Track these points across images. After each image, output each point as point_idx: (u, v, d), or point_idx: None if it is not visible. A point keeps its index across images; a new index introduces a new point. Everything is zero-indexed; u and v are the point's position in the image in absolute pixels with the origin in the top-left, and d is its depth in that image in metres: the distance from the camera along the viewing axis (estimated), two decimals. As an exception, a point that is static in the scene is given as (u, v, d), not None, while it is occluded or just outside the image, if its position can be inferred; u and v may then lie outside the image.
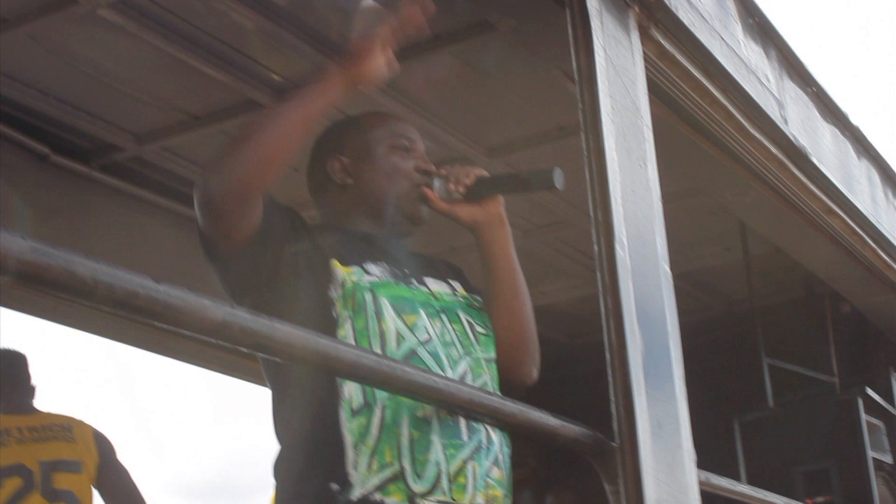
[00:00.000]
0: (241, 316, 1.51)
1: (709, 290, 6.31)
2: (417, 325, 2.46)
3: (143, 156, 4.53)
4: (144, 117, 4.34)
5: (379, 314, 2.43)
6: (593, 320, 2.55)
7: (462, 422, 2.40)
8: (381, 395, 2.35)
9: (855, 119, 4.69)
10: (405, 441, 2.34)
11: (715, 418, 4.71)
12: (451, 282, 2.68)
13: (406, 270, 2.58)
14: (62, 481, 4.49)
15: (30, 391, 4.77)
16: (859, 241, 4.67)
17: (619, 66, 2.85)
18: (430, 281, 2.62)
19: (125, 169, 4.59)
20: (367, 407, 2.35)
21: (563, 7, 2.84)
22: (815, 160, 4.06)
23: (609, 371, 2.47)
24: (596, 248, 2.59)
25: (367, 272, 2.49)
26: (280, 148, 2.35)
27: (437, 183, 2.65)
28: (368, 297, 2.43)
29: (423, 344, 2.44)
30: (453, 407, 2.11)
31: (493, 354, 2.61)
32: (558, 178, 2.61)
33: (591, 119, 2.69)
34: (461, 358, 2.50)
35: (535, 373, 2.70)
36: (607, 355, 2.49)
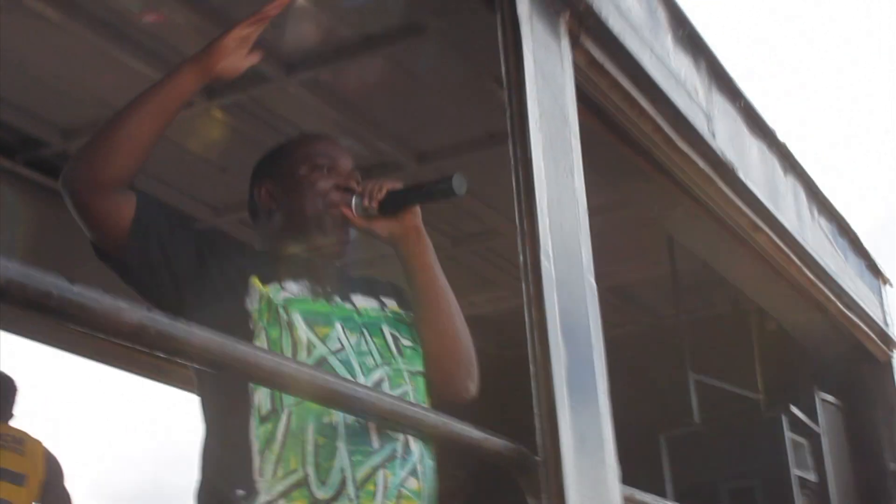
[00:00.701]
0: (158, 320, 1.47)
1: (635, 304, 6.32)
2: (330, 336, 2.50)
3: (69, 151, 4.44)
4: (70, 112, 4.29)
5: (291, 326, 2.47)
6: (522, 332, 2.54)
7: (372, 429, 2.41)
8: (288, 401, 2.38)
9: (782, 135, 4.73)
10: (310, 447, 2.37)
11: (641, 434, 4.70)
12: (383, 298, 2.71)
13: (328, 288, 2.62)
14: (2, 490, 4.43)
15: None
16: (784, 258, 4.70)
17: (547, 73, 2.85)
18: (357, 297, 2.65)
19: (51, 165, 4.51)
20: (275, 413, 2.38)
21: (493, 11, 2.84)
22: (741, 175, 4.08)
23: (533, 384, 2.46)
24: (521, 258, 2.58)
25: (283, 289, 2.54)
26: (131, 137, 2.43)
27: (354, 200, 2.66)
28: (282, 311, 2.48)
29: (334, 353, 2.47)
30: (374, 417, 2.09)
31: (419, 367, 2.62)
32: (458, 185, 2.62)
33: (519, 126, 2.69)
34: (377, 367, 2.52)
35: (471, 388, 2.69)
36: (531, 368, 2.48)
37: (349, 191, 2.67)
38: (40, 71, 4.05)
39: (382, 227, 2.66)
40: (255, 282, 2.52)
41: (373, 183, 2.67)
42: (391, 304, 2.71)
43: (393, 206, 2.64)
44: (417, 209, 2.67)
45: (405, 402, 2.13)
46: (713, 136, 3.90)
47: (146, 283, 2.50)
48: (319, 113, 4.27)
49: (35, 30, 3.79)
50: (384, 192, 2.64)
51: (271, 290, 2.52)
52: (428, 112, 4.40)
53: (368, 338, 2.56)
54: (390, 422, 2.08)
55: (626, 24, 3.35)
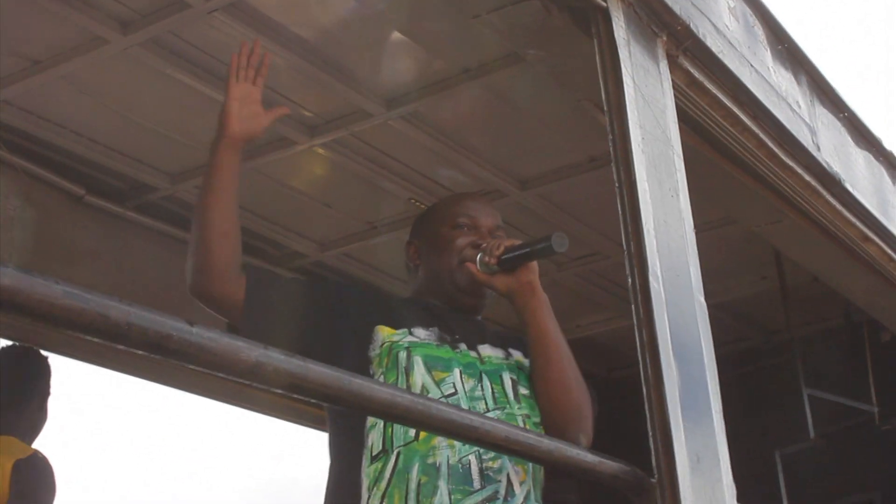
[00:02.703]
0: (275, 357, 1.50)
1: (745, 321, 6.24)
2: (445, 381, 2.62)
3: (176, 194, 4.55)
4: (178, 156, 4.37)
5: (409, 370, 2.59)
6: (628, 353, 2.53)
7: (475, 470, 2.51)
8: (397, 442, 2.51)
9: (888, 144, 4.66)
10: (413, 485, 2.48)
11: (755, 451, 4.67)
12: (510, 350, 2.81)
13: (457, 336, 2.75)
14: None
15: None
16: (896, 268, 4.62)
17: (648, 95, 2.84)
18: (485, 347, 2.77)
19: (159, 208, 4.61)
20: (384, 453, 2.51)
21: (590, 37, 2.85)
22: (849, 186, 4.03)
23: (646, 405, 2.46)
24: (630, 280, 2.57)
25: (411, 333, 2.68)
26: (214, 231, 2.66)
27: (478, 256, 2.78)
28: (403, 354, 2.61)
29: (446, 396, 2.57)
30: (489, 445, 2.10)
31: (535, 416, 2.69)
32: (559, 243, 2.72)
33: (622, 150, 2.68)
34: (489, 411, 2.61)
35: (583, 440, 2.69)
36: (644, 389, 2.47)
37: (479, 248, 2.81)
38: (147, 118, 4.14)
39: (501, 282, 2.76)
40: (381, 329, 2.66)
41: (494, 241, 2.80)
42: (517, 354, 2.81)
43: (512, 262, 2.75)
44: (534, 265, 2.78)
45: (518, 428, 2.14)
46: (818, 148, 3.86)
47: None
48: (421, 145, 4.31)
49: (140, 78, 3.89)
50: (502, 248, 2.75)
51: (398, 335, 2.66)
52: (528, 138, 4.41)
53: (487, 384, 2.67)
54: (505, 449, 2.08)
55: (724, 42, 3.34)
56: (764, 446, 5.36)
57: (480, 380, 2.66)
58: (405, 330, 2.69)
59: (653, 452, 2.40)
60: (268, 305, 2.65)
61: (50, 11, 3.49)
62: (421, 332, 2.70)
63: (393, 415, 1.81)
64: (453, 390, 2.60)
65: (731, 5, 3.53)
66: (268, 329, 2.61)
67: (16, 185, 4.16)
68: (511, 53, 3.69)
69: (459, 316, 2.84)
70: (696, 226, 2.91)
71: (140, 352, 1.32)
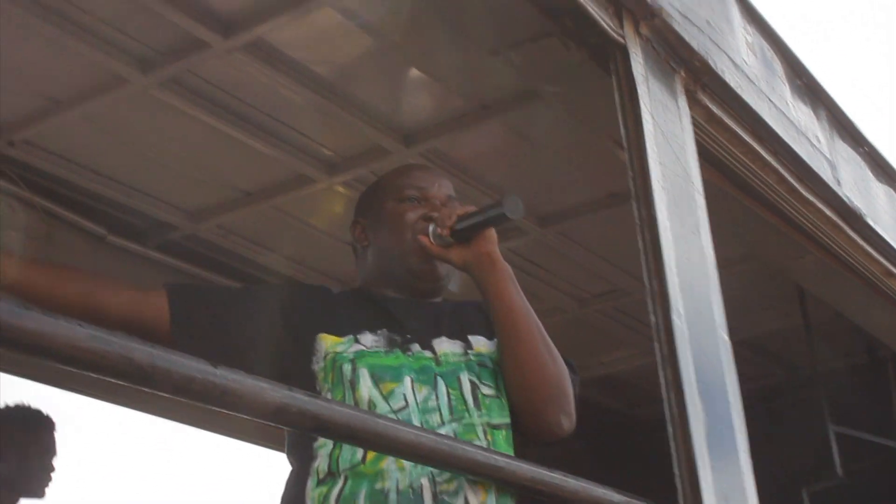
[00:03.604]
0: (299, 398, 1.51)
1: (769, 357, 6.22)
2: (395, 393, 2.38)
3: (197, 234, 4.56)
4: (198, 195, 4.38)
5: (354, 384, 2.37)
6: (651, 389, 2.52)
7: (427, 495, 2.29)
8: (344, 466, 2.32)
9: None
10: None
11: (782, 489, 4.63)
12: (470, 337, 2.57)
13: (408, 335, 2.50)
14: None
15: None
16: (921, 304, 4.61)
17: (667, 131, 2.85)
18: (441, 342, 2.52)
19: (180, 247, 4.62)
20: (331, 477, 2.32)
21: (609, 74, 2.85)
22: (870, 221, 4.03)
23: (672, 445, 2.45)
24: (653, 318, 2.57)
25: (357, 341, 2.45)
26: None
27: (430, 229, 2.58)
28: (348, 367, 2.39)
29: (396, 412, 2.34)
30: (516, 486, 2.08)
31: (499, 419, 2.47)
32: (512, 209, 2.51)
33: (642, 187, 2.68)
34: (444, 425, 2.38)
35: (564, 423, 2.51)
36: (669, 428, 2.46)
37: (433, 220, 2.59)
38: (167, 157, 4.16)
39: (457, 254, 2.55)
40: (324, 338, 2.45)
41: (447, 210, 2.59)
42: (479, 342, 2.57)
43: (465, 232, 2.54)
44: (492, 234, 2.56)
45: (545, 469, 2.12)
46: (838, 183, 3.86)
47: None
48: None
49: (160, 118, 3.90)
50: (454, 218, 2.54)
51: (342, 344, 2.43)
52: (547, 175, 4.42)
53: (442, 390, 2.43)
54: (531, 490, 2.06)
55: (742, 77, 3.35)
56: (791, 484, 5.32)
57: (435, 386, 2.41)
58: (351, 337, 2.44)
59: (679, 492, 2.39)
60: (195, 318, 2.46)
61: (70, 51, 3.51)
62: (368, 339, 2.45)
63: (418, 455, 1.81)
64: (403, 403, 2.36)
65: (749, 40, 3.55)
66: (201, 344, 2.41)
67: (38, 226, 4.17)
68: (529, 90, 3.70)
69: (413, 304, 2.60)
70: (717, 261, 2.90)
71: (164, 394, 1.32)
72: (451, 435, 2.35)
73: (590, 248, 4.92)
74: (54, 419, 4.51)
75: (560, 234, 4.75)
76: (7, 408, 4.48)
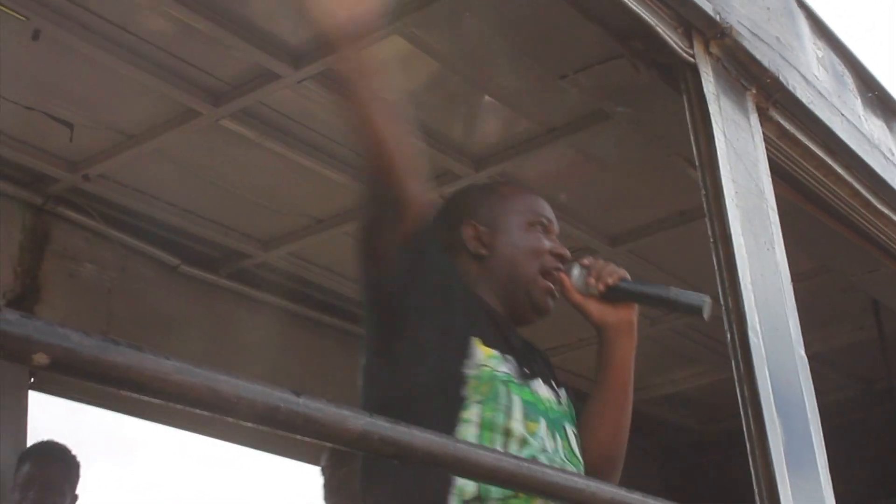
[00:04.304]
0: (381, 425, 1.51)
1: (843, 371, 6.18)
2: (537, 434, 2.29)
3: (269, 261, 4.62)
4: (269, 223, 4.44)
5: (509, 412, 2.25)
6: (723, 406, 2.52)
7: None
8: (496, 494, 2.20)
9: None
10: None
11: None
12: (556, 388, 2.49)
13: (526, 370, 2.39)
14: None
15: None
16: None
17: (739, 149, 2.85)
18: (538, 385, 2.41)
19: (252, 275, 4.68)
20: (478, 501, 2.17)
21: (679, 93, 2.86)
22: (947, 234, 3.99)
23: (751, 462, 2.44)
24: (728, 336, 2.57)
25: (505, 361, 2.31)
26: None
27: (575, 271, 2.46)
28: (503, 390, 2.26)
29: (544, 452, 2.26)
30: None
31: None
32: (707, 308, 2.38)
33: (715, 204, 2.69)
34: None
35: (618, 479, 2.46)
36: (748, 446, 2.45)
37: (562, 259, 2.48)
38: (238, 187, 4.23)
39: (598, 309, 2.45)
40: (478, 346, 2.28)
41: (604, 263, 2.47)
42: (563, 395, 2.48)
43: (621, 296, 2.44)
44: (636, 305, 2.48)
45: (624, 490, 2.10)
46: (913, 196, 3.84)
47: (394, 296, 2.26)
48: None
49: (230, 148, 3.97)
50: (615, 277, 2.43)
51: (495, 361, 2.29)
52: (616, 194, 4.44)
53: (561, 440, 2.35)
54: None
55: (814, 93, 3.34)
56: (870, 498, 5.29)
57: (554, 434, 2.32)
58: (498, 354, 2.31)
59: (760, 509, 2.38)
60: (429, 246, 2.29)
61: (143, 86, 3.59)
62: (502, 364, 2.31)
63: (497, 478, 1.81)
64: (544, 445, 2.27)
65: (820, 55, 3.54)
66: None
67: (113, 257, 4.25)
68: (597, 111, 3.70)
69: (516, 332, 2.47)
70: (791, 276, 2.90)
71: (249, 424, 1.35)
72: None
73: (660, 265, 4.91)
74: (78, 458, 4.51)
75: (630, 252, 4.75)
76: (37, 444, 4.50)
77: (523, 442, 2.24)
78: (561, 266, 2.47)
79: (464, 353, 2.26)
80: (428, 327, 2.24)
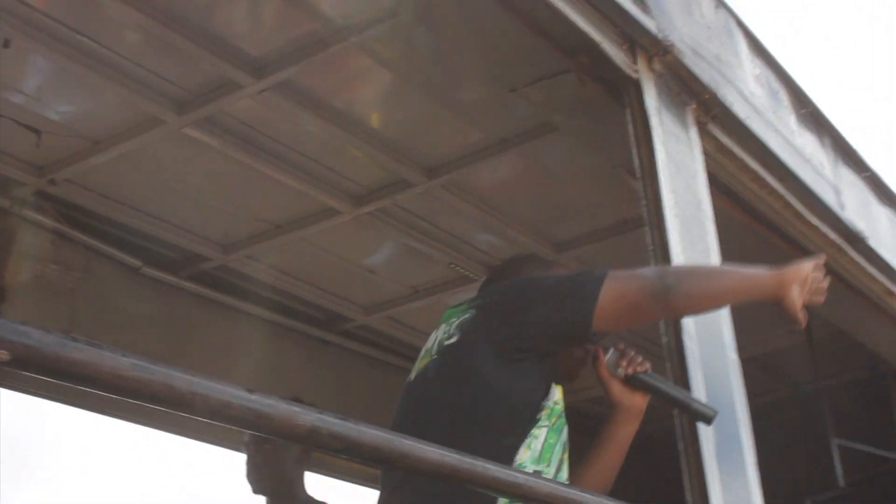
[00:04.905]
0: (330, 421, 1.59)
1: (774, 373, 6.32)
2: (564, 463, 2.52)
3: (228, 264, 4.71)
4: (229, 228, 4.54)
5: (566, 446, 2.52)
6: (660, 406, 2.62)
7: None
8: None
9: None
10: None
11: (788, 500, 4.72)
12: None
13: None
14: None
15: None
16: (920, 322, 4.71)
17: (679, 161, 2.96)
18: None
19: (212, 277, 4.77)
20: None
21: (623, 107, 2.97)
22: (872, 244, 4.14)
23: (683, 461, 2.58)
24: (665, 339, 2.70)
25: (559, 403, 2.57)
26: (708, 304, 2.66)
27: (612, 353, 2.68)
28: (564, 426, 2.52)
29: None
30: (535, 501, 2.11)
31: None
32: (714, 419, 2.59)
33: (655, 214, 2.81)
34: None
35: None
36: (681, 445, 2.58)
37: (597, 343, 2.71)
38: (200, 192, 4.32)
39: (619, 390, 2.68)
40: (557, 388, 2.54)
41: (636, 354, 2.70)
42: None
43: (642, 385, 2.66)
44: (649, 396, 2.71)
45: (561, 485, 2.16)
46: (842, 207, 3.97)
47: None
48: (459, 212, 4.45)
49: (193, 155, 4.06)
50: (645, 368, 2.67)
51: (563, 403, 2.55)
52: (563, 203, 4.54)
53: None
54: None
55: (750, 109, 3.46)
56: (795, 495, 5.41)
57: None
58: (561, 396, 2.57)
59: (690, 504, 2.48)
60: None
61: (109, 94, 3.66)
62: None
63: (442, 473, 1.89)
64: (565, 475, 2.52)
65: (757, 73, 3.67)
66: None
67: (77, 259, 4.31)
68: (546, 123, 3.82)
69: None
70: (726, 283, 3.01)
71: (202, 419, 1.39)
72: None
73: (604, 272, 5.00)
74: None
75: (575, 259, 4.84)
76: None
77: (560, 467, 2.48)
78: (595, 341, 2.70)
79: (549, 388, 2.53)
80: (544, 361, 2.52)
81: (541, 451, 2.43)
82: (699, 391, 2.66)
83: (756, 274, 2.66)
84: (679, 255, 2.79)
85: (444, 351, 2.57)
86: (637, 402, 2.68)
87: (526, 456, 2.41)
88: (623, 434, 2.70)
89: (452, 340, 2.56)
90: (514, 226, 4.60)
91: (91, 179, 4.15)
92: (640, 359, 2.69)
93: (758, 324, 5.49)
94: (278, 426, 1.50)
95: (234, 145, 3.99)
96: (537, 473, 2.38)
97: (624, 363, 2.67)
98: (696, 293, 2.54)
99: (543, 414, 2.49)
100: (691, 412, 2.63)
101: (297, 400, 3.26)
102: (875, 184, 4.48)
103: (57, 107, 3.71)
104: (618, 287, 2.48)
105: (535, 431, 2.44)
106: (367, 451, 1.68)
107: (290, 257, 4.73)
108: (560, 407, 2.52)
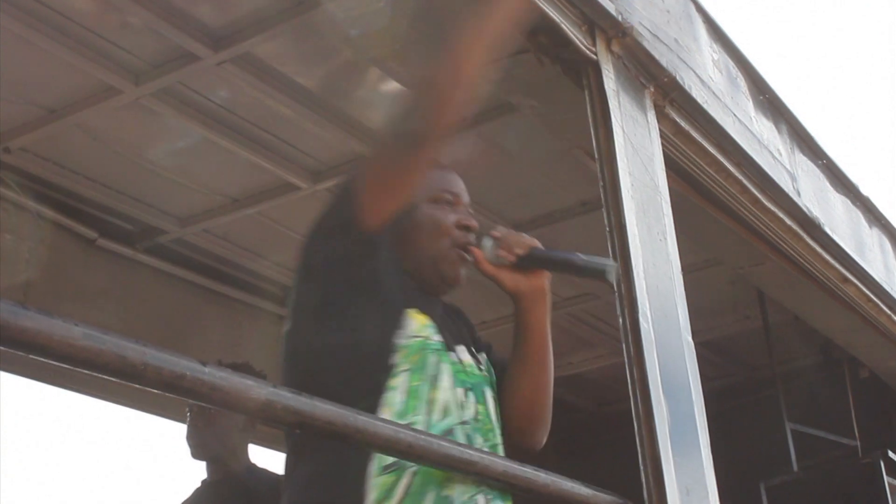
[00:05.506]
0: (284, 395, 1.59)
1: (730, 357, 6.39)
2: (465, 404, 2.35)
3: (185, 237, 4.70)
4: (186, 201, 4.52)
5: (436, 381, 2.31)
6: (619, 388, 2.63)
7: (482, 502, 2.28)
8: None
9: (865, 189, 4.83)
10: None
11: (741, 483, 4.77)
12: (475, 353, 2.53)
13: (449, 339, 2.42)
14: None
15: None
16: (874, 308, 4.79)
17: (636, 144, 2.97)
18: (462, 351, 2.46)
19: (168, 250, 4.75)
20: (398, 467, 2.20)
21: (581, 88, 2.98)
22: (828, 230, 4.17)
23: (637, 441, 2.57)
24: (621, 321, 2.70)
25: (437, 332, 2.38)
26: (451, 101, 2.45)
27: (487, 243, 2.49)
28: (433, 359, 2.33)
29: (462, 424, 2.31)
30: (488, 478, 2.13)
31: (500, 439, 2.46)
32: (611, 273, 2.46)
33: (612, 196, 2.81)
34: (485, 444, 2.36)
35: (544, 440, 2.59)
36: (635, 425, 2.58)
37: (470, 230, 2.52)
38: (157, 164, 4.29)
39: (510, 279, 2.47)
40: (413, 317, 2.34)
41: (514, 234, 2.54)
42: (483, 359, 2.54)
43: (531, 264, 2.47)
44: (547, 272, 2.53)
45: (517, 463, 2.18)
46: (798, 194, 4.00)
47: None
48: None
49: (151, 126, 4.05)
50: (525, 247, 2.49)
51: (428, 330, 2.35)
52: (521, 184, 4.55)
53: (480, 407, 2.40)
54: (504, 482, 2.14)
55: (708, 93, 3.47)
56: (749, 478, 5.46)
57: (475, 400, 2.38)
58: (432, 323, 2.37)
59: (644, 485, 2.52)
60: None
61: (66, 63, 3.63)
62: (435, 333, 2.38)
63: (396, 450, 1.89)
64: (466, 416, 2.34)
65: (715, 58, 3.68)
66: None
67: (31, 229, 4.28)
68: (504, 103, 3.81)
69: (433, 303, 2.49)
70: (682, 267, 3.04)
71: (154, 390, 1.40)
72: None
73: (561, 252, 5.03)
74: None
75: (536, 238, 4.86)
76: None
77: (445, 411, 2.30)
78: (470, 239, 2.50)
79: (397, 323, 2.31)
80: (367, 298, 2.30)
81: (405, 402, 2.24)
82: (654, 372, 2.67)
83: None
84: (635, 236, 2.80)
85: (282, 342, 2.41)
86: (535, 284, 2.48)
87: (388, 415, 2.21)
88: (534, 319, 2.50)
89: (286, 328, 2.40)
90: (473, 206, 4.56)
91: (47, 149, 4.12)
92: (519, 238, 2.52)
93: (714, 309, 5.57)
94: (232, 399, 1.50)
95: (192, 117, 3.97)
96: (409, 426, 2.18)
97: (503, 251, 2.47)
98: (434, 111, 2.35)
99: (400, 357, 2.28)
100: (586, 272, 2.49)
101: (248, 367, 3.27)
102: (831, 171, 4.52)
103: (12, 74, 3.67)
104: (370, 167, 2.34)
105: (392, 382, 2.26)
106: (321, 426, 1.69)
107: (247, 232, 4.72)
108: (421, 339, 2.31)
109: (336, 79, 3.91)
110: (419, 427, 2.18)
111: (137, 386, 1.37)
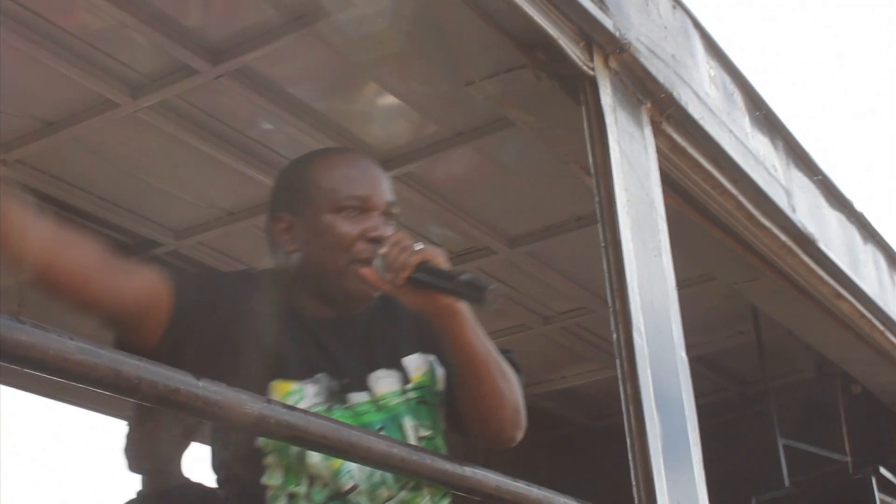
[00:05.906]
0: (277, 409, 1.60)
1: (723, 373, 6.41)
2: (341, 471, 2.17)
3: (180, 250, 4.69)
4: (182, 214, 4.52)
5: (302, 455, 2.15)
6: (611, 402, 2.63)
7: None
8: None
9: (859, 205, 4.85)
10: None
11: (733, 498, 4.77)
12: (406, 361, 2.34)
13: (346, 379, 2.25)
14: None
15: None
16: (867, 324, 4.81)
17: (633, 159, 2.98)
18: (378, 378, 2.29)
19: (164, 263, 4.73)
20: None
21: (578, 104, 2.99)
22: (822, 246, 4.18)
23: (630, 456, 2.58)
24: (615, 336, 2.70)
25: (304, 395, 2.19)
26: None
27: (378, 262, 2.21)
28: None
29: (346, 493, 2.17)
30: (482, 495, 2.09)
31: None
32: (492, 298, 2.12)
33: (608, 211, 2.82)
34: (393, 497, 2.22)
35: (517, 434, 2.35)
36: (628, 439, 2.59)
37: (378, 241, 2.24)
38: (153, 177, 4.29)
39: (410, 299, 2.20)
40: (277, 387, 2.18)
41: (399, 251, 2.17)
42: (414, 368, 2.34)
43: (417, 286, 2.17)
44: None
45: (509, 479, 2.14)
46: (793, 210, 4.01)
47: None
48: (414, 204, 4.43)
49: (147, 139, 4.04)
50: (410, 268, 2.15)
51: (293, 394, 2.17)
52: (517, 198, 4.55)
53: (402, 436, 2.24)
54: (497, 499, 2.11)
55: (705, 109, 3.48)
56: (741, 494, 5.47)
57: (358, 469, 2.17)
58: (299, 387, 2.19)
59: (636, 500, 2.53)
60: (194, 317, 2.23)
61: (64, 76, 3.63)
62: (311, 388, 2.20)
63: (389, 465, 1.89)
64: (353, 482, 2.17)
65: (712, 74, 3.69)
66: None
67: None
68: (502, 118, 3.82)
69: (343, 324, 2.31)
70: (676, 281, 3.05)
71: (149, 404, 1.42)
72: None
73: (556, 268, 5.06)
74: None
75: (528, 254, 4.89)
76: None
77: (323, 486, 2.17)
78: (373, 252, 2.23)
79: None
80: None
81: (285, 477, 2.16)
82: (647, 387, 2.67)
83: None
84: (630, 252, 2.81)
85: None
86: (438, 304, 2.18)
87: (273, 489, 2.16)
88: (452, 338, 2.23)
89: None
90: (468, 220, 4.60)
91: (43, 161, 4.12)
92: (402, 259, 2.15)
93: (708, 324, 5.58)
94: (226, 413, 1.52)
95: (189, 131, 3.97)
96: (294, 497, 2.16)
97: (389, 275, 2.17)
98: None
99: (265, 452, 2.16)
100: (463, 297, 2.17)
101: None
102: (826, 187, 4.53)
103: (9, 86, 3.67)
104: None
105: (266, 461, 2.17)
106: (315, 440, 1.70)
107: (242, 245, 4.70)
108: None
109: (334, 93, 3.92)
110: (301, 500, 2.17)
111: (132, 399, 1.39)
